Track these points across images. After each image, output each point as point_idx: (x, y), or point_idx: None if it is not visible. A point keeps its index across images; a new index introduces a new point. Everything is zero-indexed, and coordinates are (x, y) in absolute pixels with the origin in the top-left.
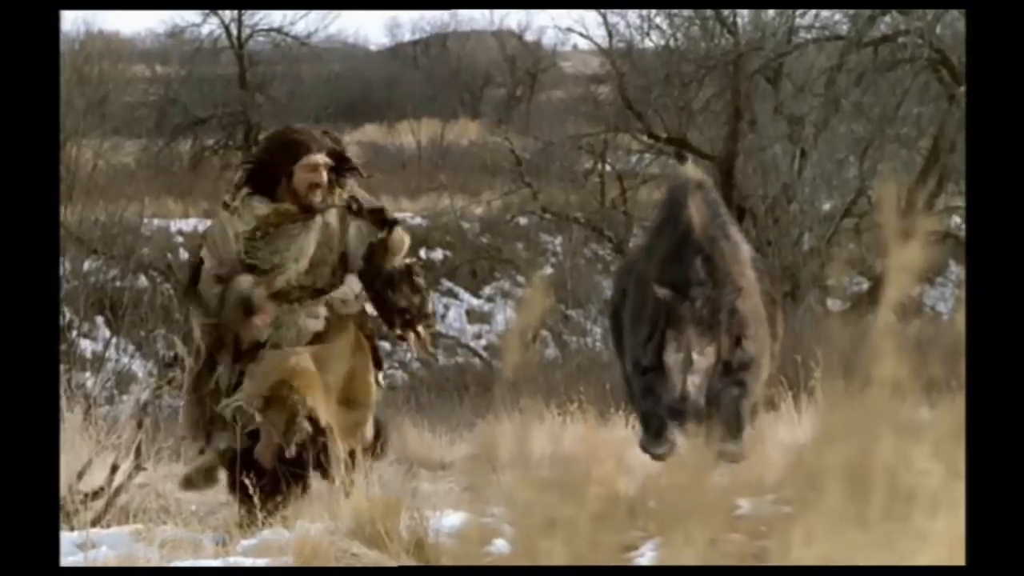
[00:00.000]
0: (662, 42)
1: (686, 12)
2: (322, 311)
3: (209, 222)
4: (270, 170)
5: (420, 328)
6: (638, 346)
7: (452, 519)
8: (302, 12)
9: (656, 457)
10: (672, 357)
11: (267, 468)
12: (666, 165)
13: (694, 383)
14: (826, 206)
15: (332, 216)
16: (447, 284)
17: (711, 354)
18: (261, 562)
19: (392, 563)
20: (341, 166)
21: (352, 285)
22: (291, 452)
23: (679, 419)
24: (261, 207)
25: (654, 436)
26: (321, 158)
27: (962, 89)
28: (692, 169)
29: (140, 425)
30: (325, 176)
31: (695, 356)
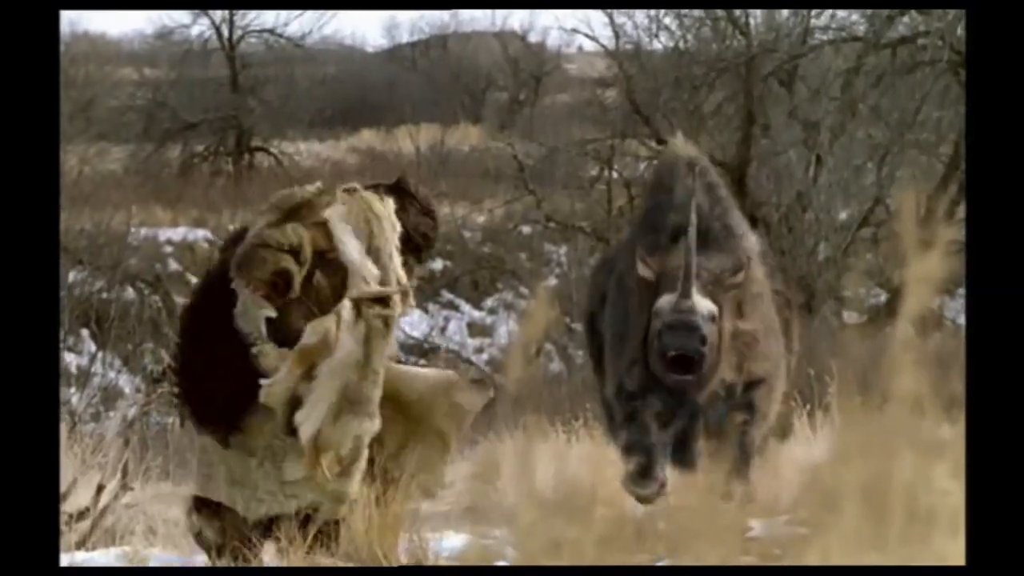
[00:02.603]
0: (671, 44)
1: (696, 12)
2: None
3: (202, 232)
4: None
5: None
6: (622, 368)
7: (453, 541)
8: (296, 13)
9: (642, 499)
10: (665, 299)
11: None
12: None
13: (697, 298)
14: (842, 215)
15: None
16: (447, 296)
17: (713, 309)
18: None
19: None
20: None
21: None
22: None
23: (682, 340)
24: (396, 230)
25: (640, 474)
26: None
27: None
28: (683, 145)
29: (127, 443)
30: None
31: (697, 298)
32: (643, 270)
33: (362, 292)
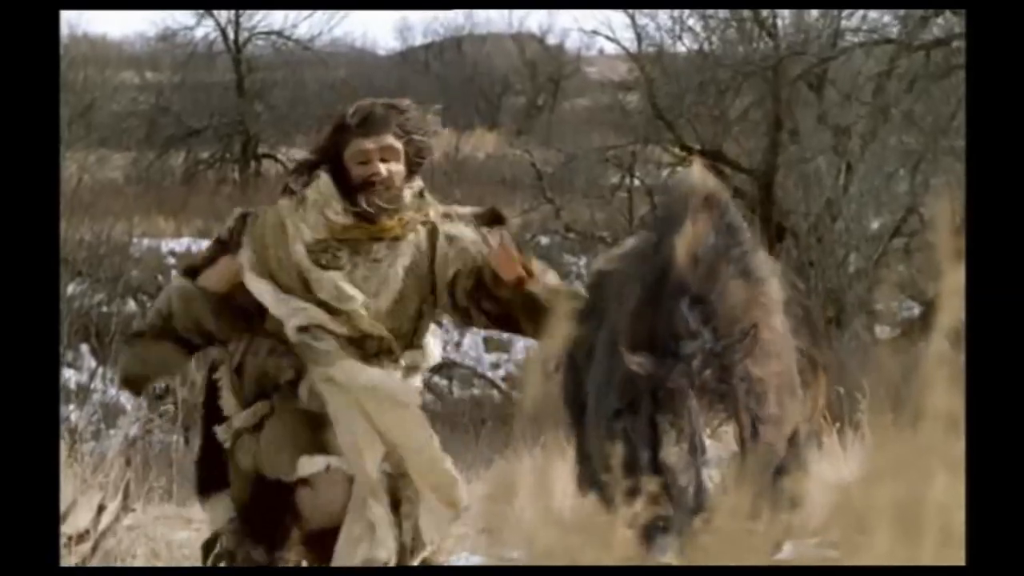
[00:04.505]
0: (695, 46)
1: (722, 13)
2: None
3: (207, 243)
4: (334, 160)
5: None
6: (601, 419)
7: (467, 564)
8: (305, 14)
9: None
10: (673, 453)
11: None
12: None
13: (712, 479)
14: (874, 224)
15: (422, 235)
16: None
17: (731, 437)
18: None
19: None
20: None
21: (432, 350)
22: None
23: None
24: (339, 213)
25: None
26: (374, 143)
27: None
28: (701, 176)
29: (128, 462)
30: (382, 170)
31: (707, 442)
32: (633, 365)
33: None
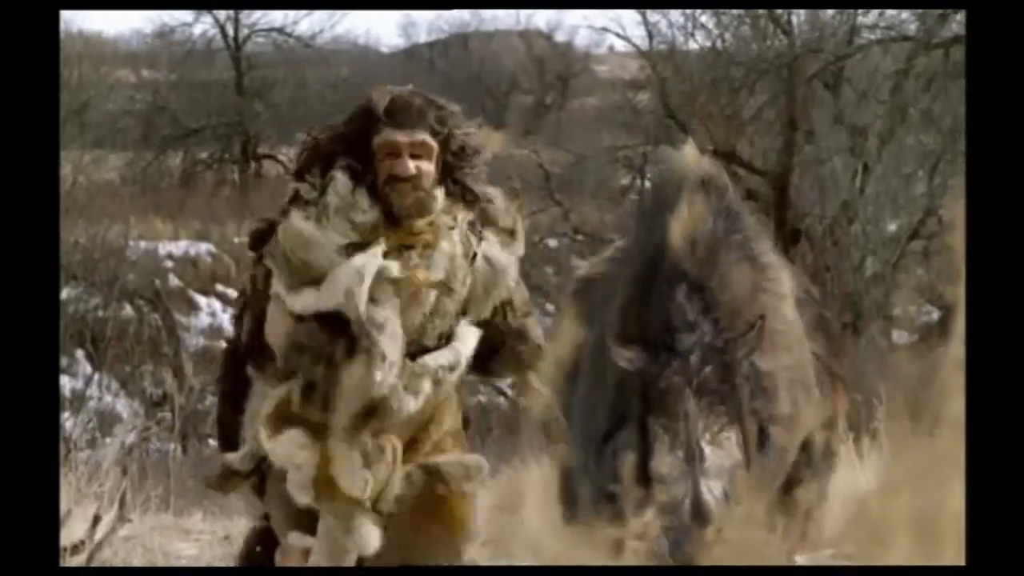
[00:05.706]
0: (708, 43)
1: (735, 10)
2: (426, 385)
3: (205, 245)
4: (357, 150)
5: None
6: (590, 445)
7: None
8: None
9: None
10: (666, 463)
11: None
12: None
13: (712, 491)
14: (891, 226)
15: (455, 243)
16: None
17: (733, 445)
18: None
19: None
20: (454, 163)
21: (468, 340)
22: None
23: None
24: (365, 212)
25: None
26: (406, 137)
27: None
28: (693, 156)
29: (125, 471)
30: (411, 167)
31: (707, 449)
32: (621, 360)
33: None
